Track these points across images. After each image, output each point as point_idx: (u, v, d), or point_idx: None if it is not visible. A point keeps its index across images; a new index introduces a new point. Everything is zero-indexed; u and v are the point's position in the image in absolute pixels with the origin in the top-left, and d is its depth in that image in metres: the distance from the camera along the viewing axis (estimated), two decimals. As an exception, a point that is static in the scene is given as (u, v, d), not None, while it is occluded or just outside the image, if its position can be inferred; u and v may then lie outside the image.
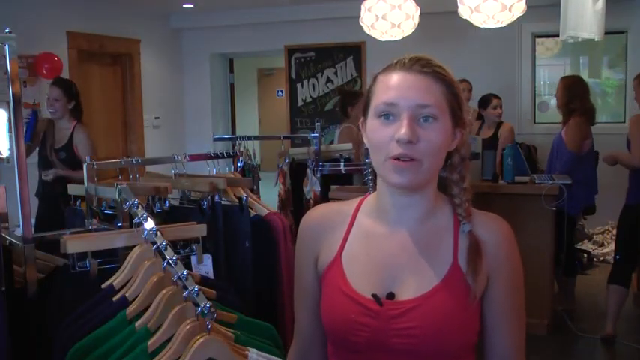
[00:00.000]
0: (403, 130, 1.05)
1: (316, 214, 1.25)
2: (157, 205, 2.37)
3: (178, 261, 1.52)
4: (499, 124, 5.18)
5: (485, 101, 5.21)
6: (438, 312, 1.07)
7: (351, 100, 4.82)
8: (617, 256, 4.01)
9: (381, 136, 1.08)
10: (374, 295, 1.09)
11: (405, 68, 1.09)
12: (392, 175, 1.08)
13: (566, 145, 4.28)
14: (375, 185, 1.18)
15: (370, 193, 1.22)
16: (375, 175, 1.16)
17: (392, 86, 1.09)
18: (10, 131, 1.79)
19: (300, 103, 7.25)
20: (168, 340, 1.44)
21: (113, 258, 1.79)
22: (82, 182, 2.49)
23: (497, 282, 1.12)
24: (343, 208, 1.22)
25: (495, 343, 1.14)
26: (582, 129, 4.28)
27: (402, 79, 1.08)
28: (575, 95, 4.30)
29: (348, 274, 1.14)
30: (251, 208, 2.48)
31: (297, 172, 3.62)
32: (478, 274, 1.09)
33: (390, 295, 1.09)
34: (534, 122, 6.45)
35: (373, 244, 1.15)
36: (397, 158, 1.06)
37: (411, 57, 1.11)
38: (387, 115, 1.08)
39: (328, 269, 1.17)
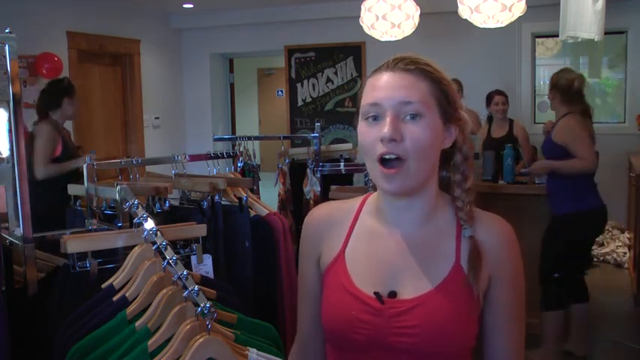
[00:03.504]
0: (386, 128, 1.05)
1: (319, 212, 1.25)
2: (157, 205, 2.37)
3: (178, 261, 1.52)
4: (511, 122, 5.16)
5: (488, 98, 5.20)
6: (439, 311, 1.06)
7: None
8: (557, 274, 3.62)
9: (367, 138, 1.09)
10: (376, 293, 1.09)
11: (390, 68, 1.10)
12: (381, 182, 1.08)
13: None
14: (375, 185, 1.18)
15: (372, 192, 1.22)
16: None
17: (376, 87, 1.09)
18: (10, 131, 1.78)
19: (300, 103, 7.25)
20: (168, 340, 1.44)
21: (113, 258, 1.79)
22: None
23: (498, 283, 1.12)
24: (346, 206, 1.22)
25: (496, 344, 1.14)
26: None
27: (386, 79, 1.09)
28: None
29: (351, 272, 1.14)
30: (251, 208, 2.47)
31: (297, 172, 3.61)
32: (479, 279, 1.09)
33: (392, 294, 1.09)
34: (534, 122, 6.45)
35: (375, 243, 1.15)
36: (384, 160, 1.06)
37: (397, 56, 1.11)
38: (373, 116, 1.08)
39: (331, 266, 1.17)
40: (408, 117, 1.06)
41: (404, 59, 1.10)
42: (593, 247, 5.85)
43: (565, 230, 3.59)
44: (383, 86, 1.08)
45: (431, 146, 1.08)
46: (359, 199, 1.23)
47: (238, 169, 3.26)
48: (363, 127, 1.10)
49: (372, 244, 1.15)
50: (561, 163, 3.55)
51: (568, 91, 3.58)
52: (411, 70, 1.08)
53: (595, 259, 5.73)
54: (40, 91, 4.29)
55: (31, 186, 4.16)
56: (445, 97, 1.10)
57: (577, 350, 3.71)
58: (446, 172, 1.17)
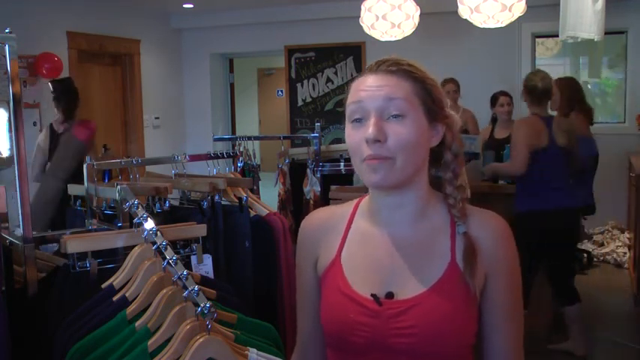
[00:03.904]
0: (370, 130, 1.06)
1: (315, 217, 1.26)
2: (157, 205, 2.36)
3: (178, 261, 1.52)
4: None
5: (493, 100, 5.18)
6: (437, 310, 1.06)
7: None
8: None
9: (353, 140, 1.10)
10: (373, 295, 1.09)
11: (373, 71, 1.12)
12: (367, 175, 1.09)
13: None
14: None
15: (367, 194, 1.23)
16: None
17: (360, 88, 1.11)
18: (10, 131, 1.78)
19: (300, 103, 7.25)
20: (168, 340, 1.44)
21: (113, 258, 1.79)
22: None
23: (494, 280, 1.12)
24: (341, 210, 1.23)
25: (494, 341, 1.13)
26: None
27: (369, 80, 1.11)
28: (573, 95, 4.31)
29: (348, 275, 1.14)
30: (251, 208, 2.47)
31: (297, 172, 3.61)
32: (475, 276, 1.09)
33: (389, 295, 1.09)
34: (534, 122, 6.45)
35: (370, 245, 1.15)
36: (369, 158, 1.07)
37: (379, 60, 1.13)
38: (358, 119, 1.10)
39: (327, 271, 1.17)
40: (391, 117, 1.07)
41: (386, 61, 1.12)
42: (593, 247, 5.86)
43: (519, 230, 3.58)
44: (366, 87, 1.10)
45: (416, 144, 1.09)
46: (352, 203, 1.23)
47: (238, 169, 3.26)
48: (348, 130, 1.12)
49: (367, 246, 1.16)
50: (499, 165, 3.85)
51: (533, 92, 3.68)
52: (393, 71, 1.10)
53: (595, 259, 5.73)
54: (58, 92, 4.26)
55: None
56: (429, 96, 1.11)
57: (577, 350, 3.72)
58: (437, 171, 1.17)
